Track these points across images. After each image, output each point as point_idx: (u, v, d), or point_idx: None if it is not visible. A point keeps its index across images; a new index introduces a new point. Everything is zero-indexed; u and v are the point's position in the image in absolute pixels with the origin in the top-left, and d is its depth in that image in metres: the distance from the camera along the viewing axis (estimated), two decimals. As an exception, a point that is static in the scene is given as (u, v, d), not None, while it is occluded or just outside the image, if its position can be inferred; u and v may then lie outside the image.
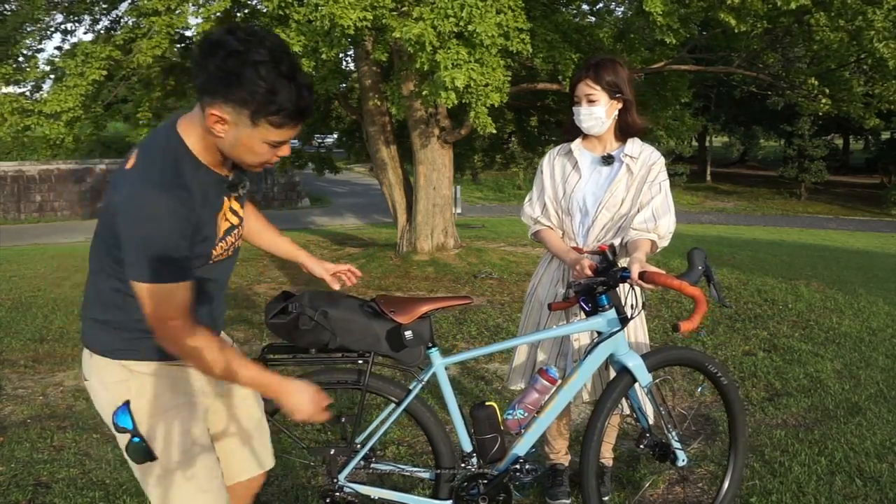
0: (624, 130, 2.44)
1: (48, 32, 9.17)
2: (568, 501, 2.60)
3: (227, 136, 1.43)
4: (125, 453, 1.59)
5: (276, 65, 1.35)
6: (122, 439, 1.57)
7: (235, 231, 1.65)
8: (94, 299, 1.57)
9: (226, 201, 1.58)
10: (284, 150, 1.49)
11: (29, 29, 8.21)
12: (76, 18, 9.23)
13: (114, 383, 1.56)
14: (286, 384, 1.59)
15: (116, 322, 1.55)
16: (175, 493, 1.58)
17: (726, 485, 2.45)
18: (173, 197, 1.40)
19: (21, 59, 8.44)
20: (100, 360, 1.57)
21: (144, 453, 1.55)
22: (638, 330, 2.55)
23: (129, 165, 1.46)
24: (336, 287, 2.03)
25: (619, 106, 2.39)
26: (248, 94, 1.35)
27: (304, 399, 1.60)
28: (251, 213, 1.89)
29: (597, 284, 2.16)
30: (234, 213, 1.63)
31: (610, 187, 2.40)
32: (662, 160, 2.44)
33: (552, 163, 2.55)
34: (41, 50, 9.19)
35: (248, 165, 1.52)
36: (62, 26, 9.32)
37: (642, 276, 2.07)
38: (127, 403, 1.55)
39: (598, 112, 2.36)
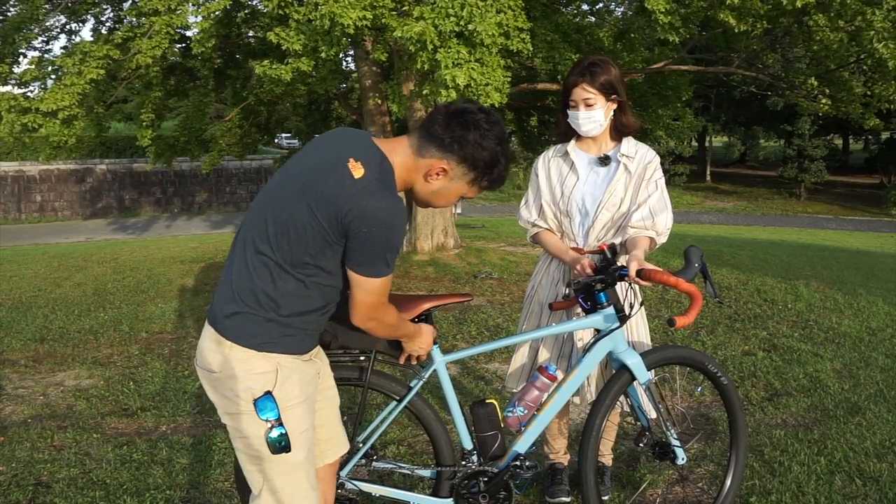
0: (619, 130, 2.45)
1: (54, 33, 9.19)
2: (567, 500, 2.60)
3: (435, 183, 1.71)
4: (243, 444, 1.66)
5: (503, 145, 1.71)
6: (258, 429, 1.63)
7: None
8: (251, 294, 1.64)
9: None
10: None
11: (30, 29, 8.21)
12: (80, 19, 9.24)
13: (258, 374, 1.64)
14: (420, 328, 1.98)
15: (272, 317, 1.64)
16: (295, 488, 1.69)
17: (727, 485, 2.45)
18: (403, 205, 1.62)
19: (23, 59, 8.46)
20: (244, 352, 1.64)
21: (283, 445, 1.64)
22: (640, 328, 2.55)
23: (358, 175, 1.58)
24: None
25: (615, 107, 2.40)
26: (481, 162, 1.69)
27: (428, 340, 1.99)
28: None
29: (595, 282, 2.17)
30: None
31: (609, 187, 2.40)
32: (658, 158, 2.45)
33: (547, 165, 2.55)
34: (49, 51, 9.19)
35: (428, 205, 1.79)
36: (67, 27, 9.33)
37: (640, 273, 2.08)
38: (269, 394, 1.63)
39: (596, 116, 2.37)
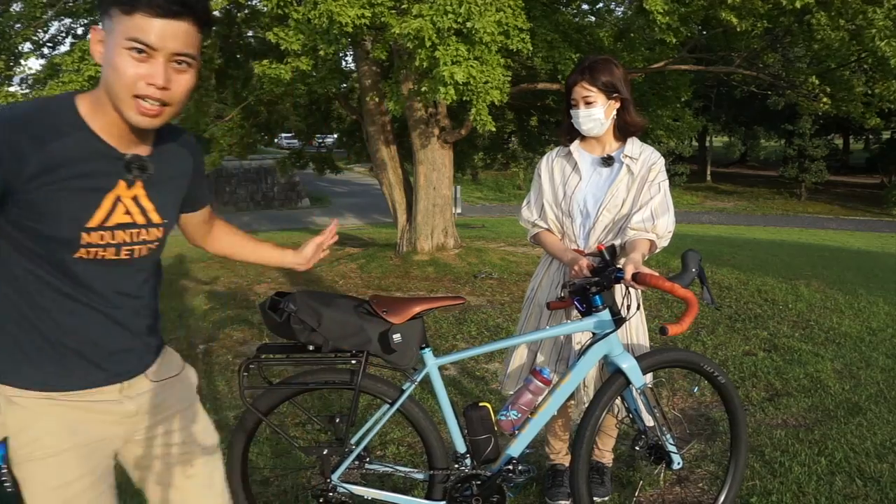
0: (623, 130, 2.43)
1: (61, 37, 9.20)
2: (567, 502, 2.59)
3: (103, 60, 1.23)
4: None
5: None
6: None
7: (138, 232, 1.38)
8: None
9: (124, 186, 1.32)
10: (153, 74, 1.20)
11: (26, 26, 8.21)
12: (85, 22, 9.25)
13: None
14: None
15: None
16: None
17: (729, 482, 2.44)
18: (3, 130, 1.17)
19: (23, 59, 8.47)
20: None
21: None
22: (639, 331, 2.53)
23: None
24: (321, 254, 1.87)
25: (617, 105, 2.38)
26: None
27: None
28: (224, 228, 1.75)
29: (591, 284, 2.15)
30: (143, 210, 1.37)
31: (610, 189, 2.38)
32: (662, 160, 2.43)
33: (551, 165, 2.53)
34: (55, 56, 9.25)
35: (120, 98, 1.22)
36: (72, 31, 9.36)
37: (635, 276, 2.05)
38: (5, 441, 1.31)
39: (596, 113, 2.35)
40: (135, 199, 1.34)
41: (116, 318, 1.38)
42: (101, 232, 1.30)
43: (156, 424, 1.50)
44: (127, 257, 1.37)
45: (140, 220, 1.36)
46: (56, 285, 1.30)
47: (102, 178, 1.28)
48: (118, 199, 1.31)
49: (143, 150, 1.35)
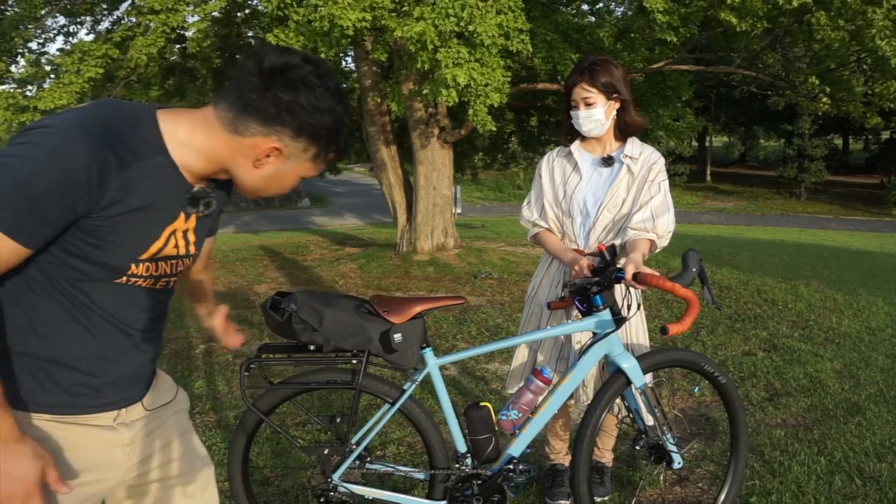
0: (623, 130, 2.44)
1: (52, 35, 9.20)
2: (567, 502, 2.60)
3: (267, 167, 1.26)
4: None
5: (343, 103, 1.26)
6: None
7: (177, 263, 1.33)
8: None
9: (182, 219, 1.28)
10: None
11: (28, 27, 8.22)
12: (78, 21, 9.25)
13: None
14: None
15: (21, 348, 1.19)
16: None
17: (729, 481, 2.45)
18: (93, 144, 1.08)
19: (21, 58, 8.48)
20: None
21: None
22: (639, 331, 2.54)
23: None
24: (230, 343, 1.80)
25: (617, 106, 2.39)
26: (324, 131, 1.24)
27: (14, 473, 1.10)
28: (207, 265, 1.68)
29: (591, 284, 2.16)
30: (187, 241, 1.32)
31: (610, 189, 2.39)
32: (662, 160, 2.44)
33: (551, 165, 2.54)
34: (45, 52, 9.24)
35: (258, 195, 1.33)
36: (65, 28, 9.36)
37: (636, 276, 2.06)
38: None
39: (596, 114, 2.36)
40: (185, 231, 1.30)
41: (138, 343, 1.31)
42: (149, 263, 1.25)
43: (152, 454, 1.42)
44: (163, 288, 1.33)
45: (182, 251, 1.32)
46: (80, 308, 1.21)
47: (167, 210, 1.23)
48: (173, 232, 1.27)
49: (203, 183, 1.31)
